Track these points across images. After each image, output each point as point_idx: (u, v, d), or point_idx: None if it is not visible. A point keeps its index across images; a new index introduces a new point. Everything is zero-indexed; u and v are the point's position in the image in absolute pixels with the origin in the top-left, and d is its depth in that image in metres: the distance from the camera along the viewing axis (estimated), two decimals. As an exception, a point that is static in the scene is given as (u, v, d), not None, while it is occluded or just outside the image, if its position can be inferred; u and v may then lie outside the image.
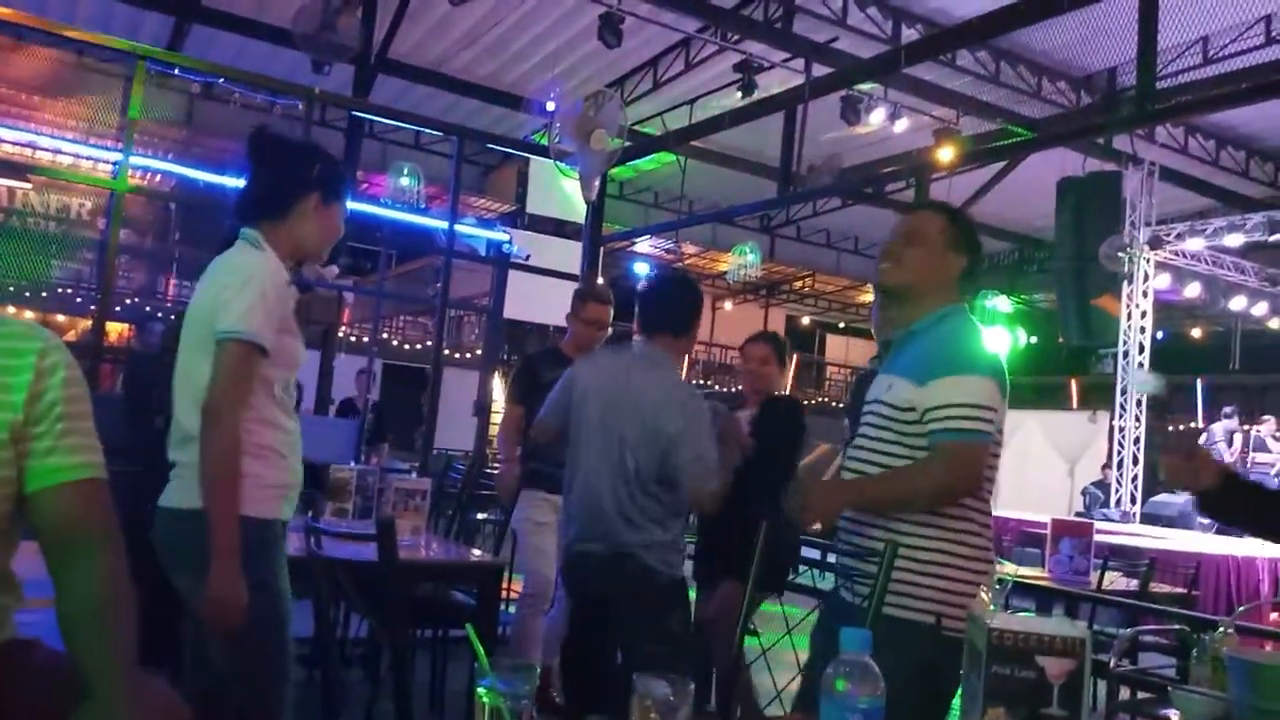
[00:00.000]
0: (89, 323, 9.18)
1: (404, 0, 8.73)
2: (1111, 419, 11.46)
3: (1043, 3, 4.96)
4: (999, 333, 10.70)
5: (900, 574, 1.89)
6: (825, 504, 2.06)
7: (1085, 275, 9.90)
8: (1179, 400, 13.82)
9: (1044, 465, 13.50)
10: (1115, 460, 11.20)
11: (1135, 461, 11.02)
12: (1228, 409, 11.75)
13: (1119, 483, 11.09)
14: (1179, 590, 4.83)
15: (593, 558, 2.79)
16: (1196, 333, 15.77)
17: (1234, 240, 10.33)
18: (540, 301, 8.09)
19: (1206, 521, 8.57)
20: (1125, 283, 10.74)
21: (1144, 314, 11.06)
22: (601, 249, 7.16)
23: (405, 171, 9.64)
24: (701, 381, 17.69)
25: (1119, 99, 9.33)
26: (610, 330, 4.20)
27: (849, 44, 8.70)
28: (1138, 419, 11.11)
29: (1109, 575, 4.37)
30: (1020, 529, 6.33)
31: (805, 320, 21.16)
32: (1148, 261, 10.86)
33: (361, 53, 7.93)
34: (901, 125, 9.54)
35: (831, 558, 2.14)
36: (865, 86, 9.09)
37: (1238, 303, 11.77)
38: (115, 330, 10.73)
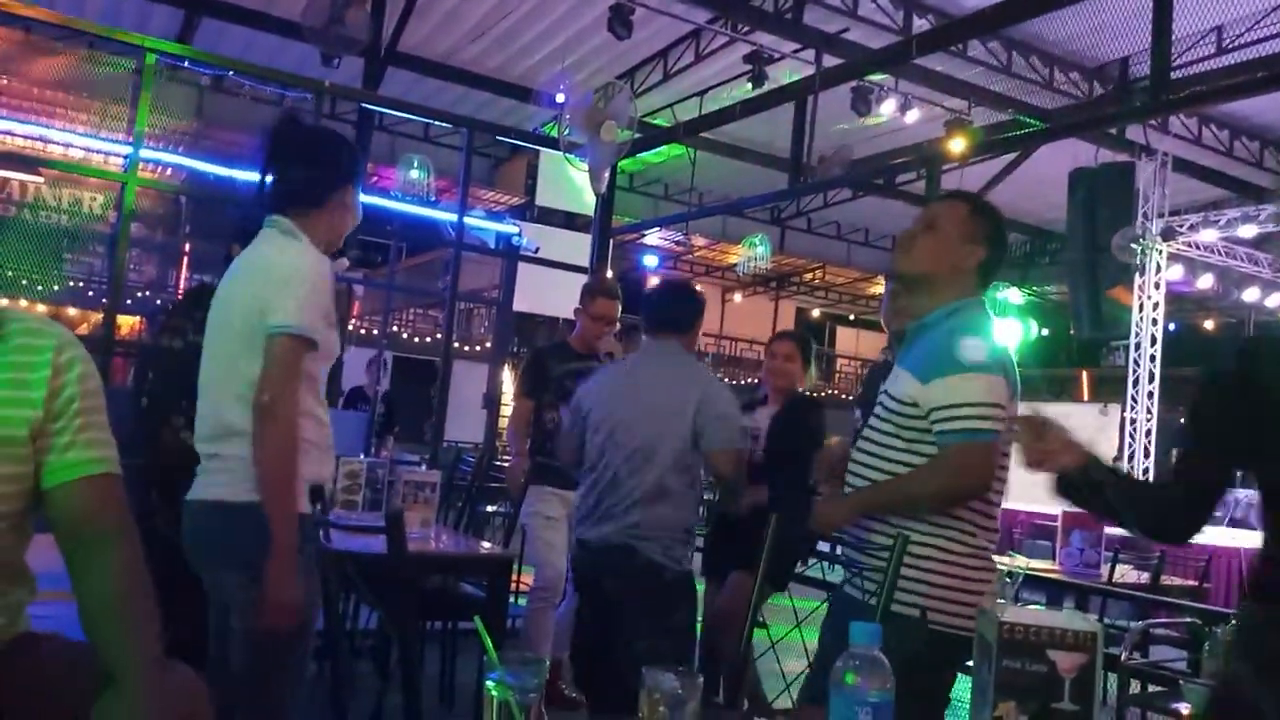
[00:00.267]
0: (100, 316, 9.22)
1: (413, -8, 8.72)
2: (1123, 411, 11.41)
3: (1055, -8, 4.92)
4: (1010, 324, 10.66)
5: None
6: (832, 518, 2.07)
7: (1097, 267, 9.84)
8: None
9: (1055, 458, 13.42)
10: (1126, 453, 11.14)
11: (1147, 454, 10.97)
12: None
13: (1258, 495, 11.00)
14: (1190, 583, 4.82)
15: (600, 550, 2.85)
16: (1209, 324, 15.67)
17: (1247, 231, 10.25)
18: (550, 294, 8.09)
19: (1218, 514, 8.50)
20: (1137, 274, 10.67)
21: (1156, 306, 10.99)
22: (611, 241, 7.15)
23: (415, 164, 9.64)
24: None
25: (1132, 89, 9.27)
26: (618, 325, 4.19)
27: (860, 35, 8.65)
28: (1149, 411, 11.06)
29: (1120, 568, 4.36)
30: (1031, 521, 6.31)
31: (815, 312, 21.11)
32: (1160, 253, 10.78)
33: (371, 45, 7.92)
34: (913, 116, 9.49)
35: (838, 551, 2.14)
36: (876, 77, 9.04)
37: (1251, 294, 11.68)
38: (127, 324, 10.78)
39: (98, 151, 9.72)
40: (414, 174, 9.60)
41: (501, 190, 13.17)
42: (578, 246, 7.80)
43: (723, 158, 9.80)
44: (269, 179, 2.16)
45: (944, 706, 2.04)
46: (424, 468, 4.33)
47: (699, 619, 3.36)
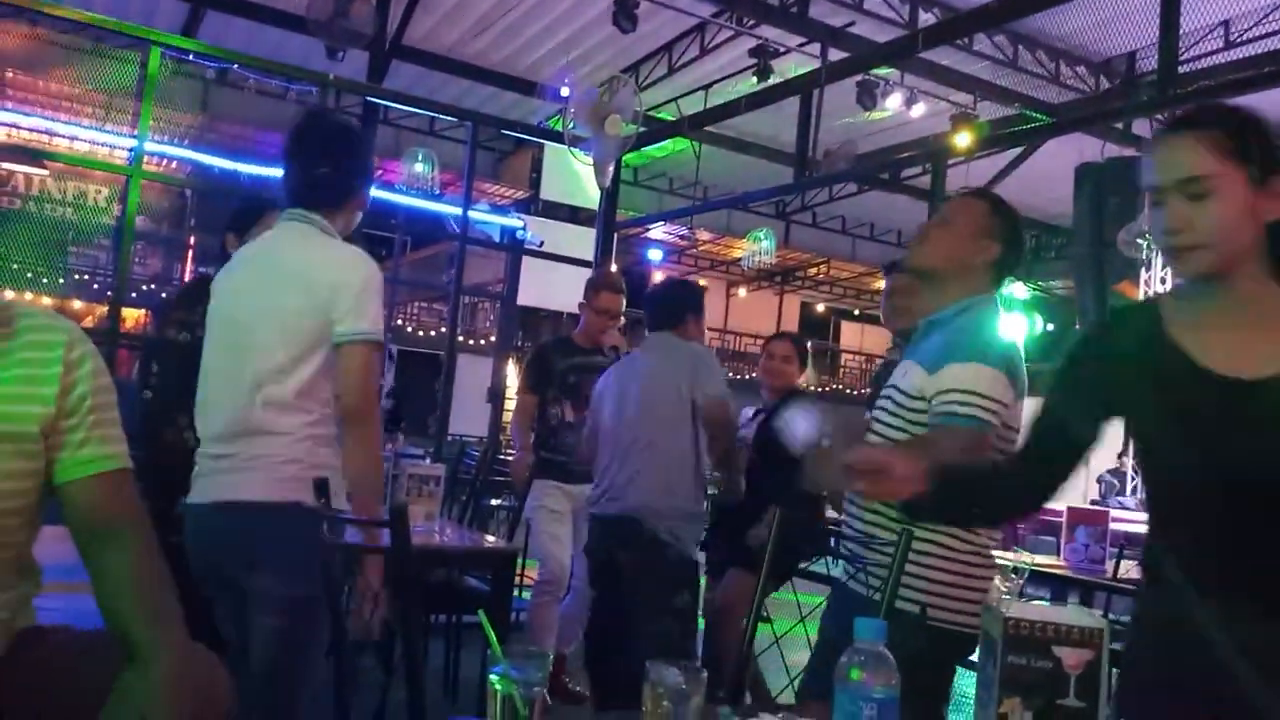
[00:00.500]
0: (105, 309, 9.24)
1: (418, -14, 8.71)
2: (1128, 407, 11.38)
3: (1062, -15, 4.90)
4: (1016, 319, 10.64)
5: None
6: (829, 474, 2.08)
7: (1103, 262, 9.80)
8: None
9: (1059, 453, 13.41)
10: (1131, 448, 11.12)
11: (1152, 450, 10.95)
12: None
13: (1135, 470, 11.03)
14: (1196, 579, 4.79)
15: (612, 522, 3.09)
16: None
17: (1255, 226, 10.23)
18: (554, 288, 8.08)
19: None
20: (1144, 269, 10.63)
21: (1162, 301, 10.97)
22: (615, 235, 7.15)
23: (420, 158, 9.64)
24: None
25: (1138, 83, 9.23)
26: (623, 319, 4.19)
27: (866, 28, 8.63)
28: (1155, 407, 11.04)
29: (1125, 564, 4.34)
30: (1037, 517, 6.30)
31: (820, 307, 21.09)
32: (1167, 248, 10.74)
33: (375, 39, 7.91)
34: (918, 110, 9.46)
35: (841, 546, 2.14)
36: (882, 71, 9.02)
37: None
38: (132, 317, 10.80)
39: (103, 145, 9.74)
40: (419, 168, 9.60)
41: (506, 184, 13.18)
42: (582, 240, 7.79)
43: (727, 151, 9.78)
44: (296, 174, 2.13)
45: (945, 703, 2.04)
46: (428, 461, 4.34)
47: (700, 613, 3.37)
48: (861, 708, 1.08)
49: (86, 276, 11.89)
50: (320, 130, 2.18)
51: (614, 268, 6.65)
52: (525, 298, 9.20)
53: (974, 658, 2.03)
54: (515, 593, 3.73)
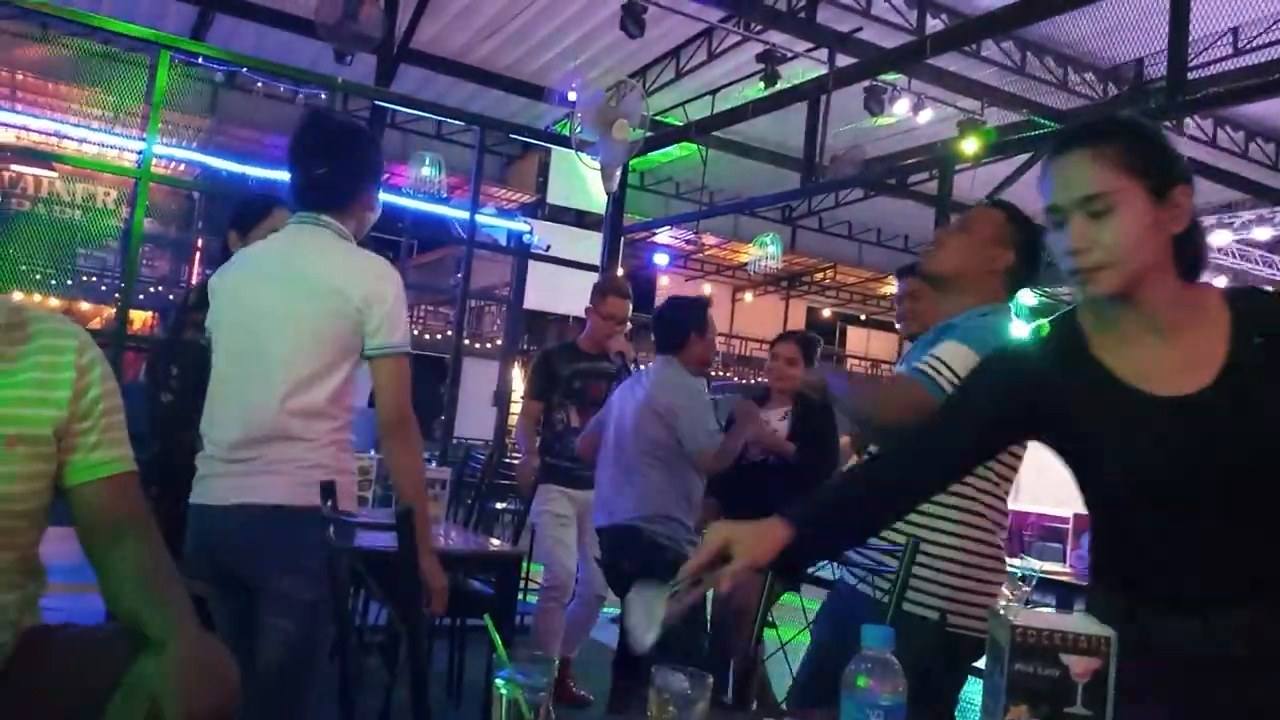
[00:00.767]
0: (113, 311, 9.27)
1: (426, -10, 8.74)
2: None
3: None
4: (1022, 326, 10.62)
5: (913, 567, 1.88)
6: (810, 377, 2.25)
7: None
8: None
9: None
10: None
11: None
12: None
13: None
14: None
15: (614, 533, 3.27)
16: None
17: (1262, 234, 10.22)
18: (560, 292, 8.10)
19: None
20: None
21: (1170, 308, 10.95)
22: (622, 240, 7.15)
23: (427, 161, 9.66)
24: (721, 373, 17.66)
25: (1146, 90, 9.22)
26: (629, 325, 4.19)
27: (873, 34, 8.63)
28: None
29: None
30: (1041, 523, 6.28)
31: (826, 312, 21.06)
32: (1174, 255, 10.73)
33: (384, 43, 7.94)
34: (925, 116, 9.46)
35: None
36: (889, 77, 9.02)
37: (1265, 297, 11.62)
38: (139, 319, 10.84)
39: (112, 147, 9.77)
40: (426, 171, 9.63)
41: (513, 188, 13.19)
42: (588, 244, 7.80)
43: (734, 156, 9.80)
44: (299, 176, 2.13)
45: (954, 708, 2.04)
46: (434, 464, 4.34)
47: (707, 615, 3.38)
48: (868, 715, 1.08)
49: (94, 278, 11.93)
50: (320, 130, 2.16)
51: (620, 273, 6.66)
52: (531, 301, 9.23)
53: (980, 664, 2.04)
54: (520, 597, 3.73)
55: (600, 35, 9.43)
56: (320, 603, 1.97)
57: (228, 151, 10.43)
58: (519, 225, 10.86)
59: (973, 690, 2.28)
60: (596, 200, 8.15)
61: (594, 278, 5.81)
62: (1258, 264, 11.14)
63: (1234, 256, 10.94)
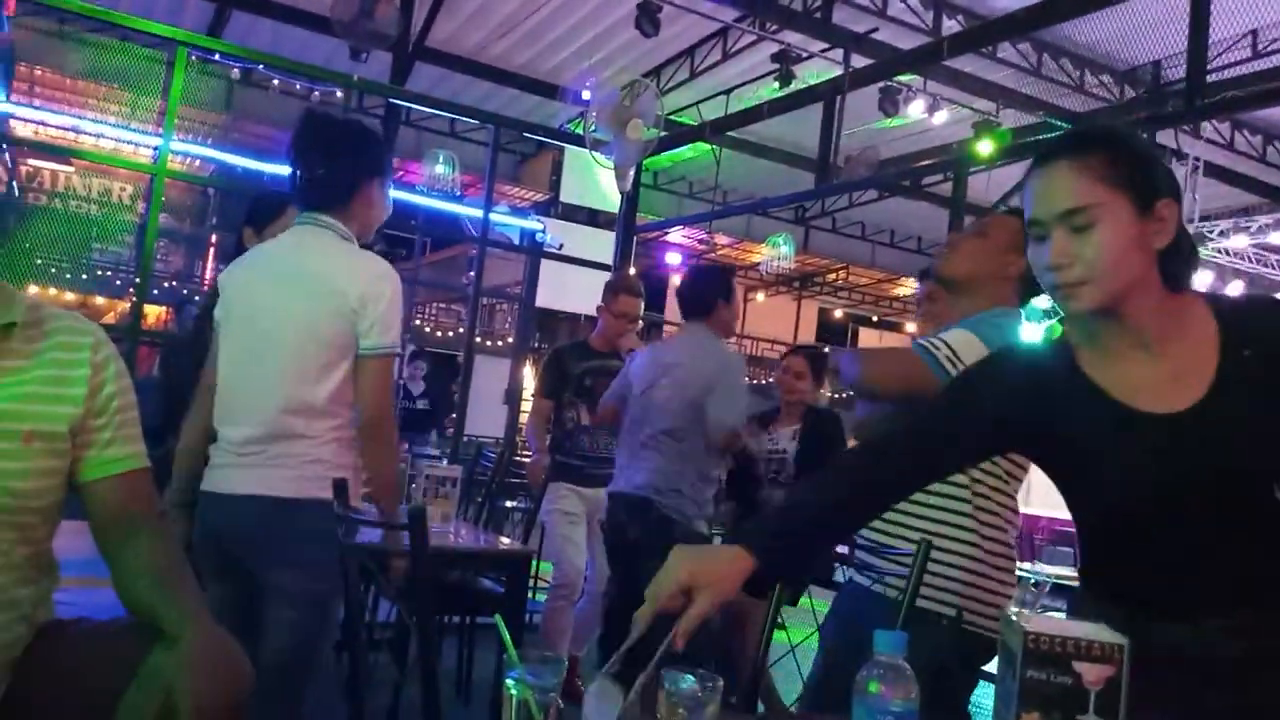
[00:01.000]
0: (126, 305, 9.31)
1: (442, -12, 8.75)
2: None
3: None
4: (1037, 328, 10.57)
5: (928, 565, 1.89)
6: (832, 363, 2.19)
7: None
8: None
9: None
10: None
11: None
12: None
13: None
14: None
15: (625, 500, 3.28)
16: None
17: (1279, 238, 10.13)
18: (572, 291, 8.09)
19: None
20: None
21: (1185, 312, 10.87)
22: (635, 239, 7.15)
23: (441, 159, 9.67)
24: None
25: (1164, 93, 9.16)
26: (640, 323, 4.19)
27: (889, 35, 8.59)
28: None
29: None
30: (1052, 528, 6.25)
31: (838, 313, 20.99)
32: (1190, 259, 10.65)
33: (399, 40, 7.95)
34: (940, 118, 9.42)
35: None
36: (904, 78, 8.98)
37: (1282, 302, 11.53)
38: (153, 314, 10.89)
39: (128, 143, 9.82)
40: (439, 169, 9.64)
41: (526, 186, 13.20)
42: (601, 243, 7.79)
43: (747, 156, 9.78)
44: (298, 176, 2.15)
45: (966, 709, 2.03)
46: (444, 462, 4.34)
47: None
48: (879, 720, 1.07)
49: (109, 273, 11.99)
50: (316, 130, 2.18)
51: (632, 271, 6.65)
52: (544, 300, 9.21)
53: (992, 669, 2.03)
54: (529, 595, 3.73)
55: (615, 34, 9.42)
56: (325, 598, 1.99)
57: (243, 148, 10.46)
58: (532, 224, 10.86)
59: (982, 694, 2.27)
60: (609, 199, 8.15)
61: (606, 277, 5.81)
62: (1274, 268, 11.05)
63: (1250, 261, 10.86)
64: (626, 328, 4.13)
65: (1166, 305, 1.32)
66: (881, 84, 8.73)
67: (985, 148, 6.78)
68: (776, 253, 13.22)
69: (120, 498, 1.47)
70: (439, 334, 15.63)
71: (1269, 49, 8.33)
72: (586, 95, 7.65)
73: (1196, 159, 10.21)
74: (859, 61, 8.13)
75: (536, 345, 11.48)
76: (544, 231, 10.29)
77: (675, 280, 16.06)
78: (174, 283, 12.15)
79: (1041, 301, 2.29)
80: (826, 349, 4.26)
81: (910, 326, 17.50)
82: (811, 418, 3.88)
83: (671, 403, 3.24)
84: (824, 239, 16.53)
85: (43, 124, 10.02)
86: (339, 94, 8.50)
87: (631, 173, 5.79)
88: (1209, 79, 5.91)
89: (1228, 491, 1.29)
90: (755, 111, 7.72)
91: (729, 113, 9.47)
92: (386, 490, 2.10)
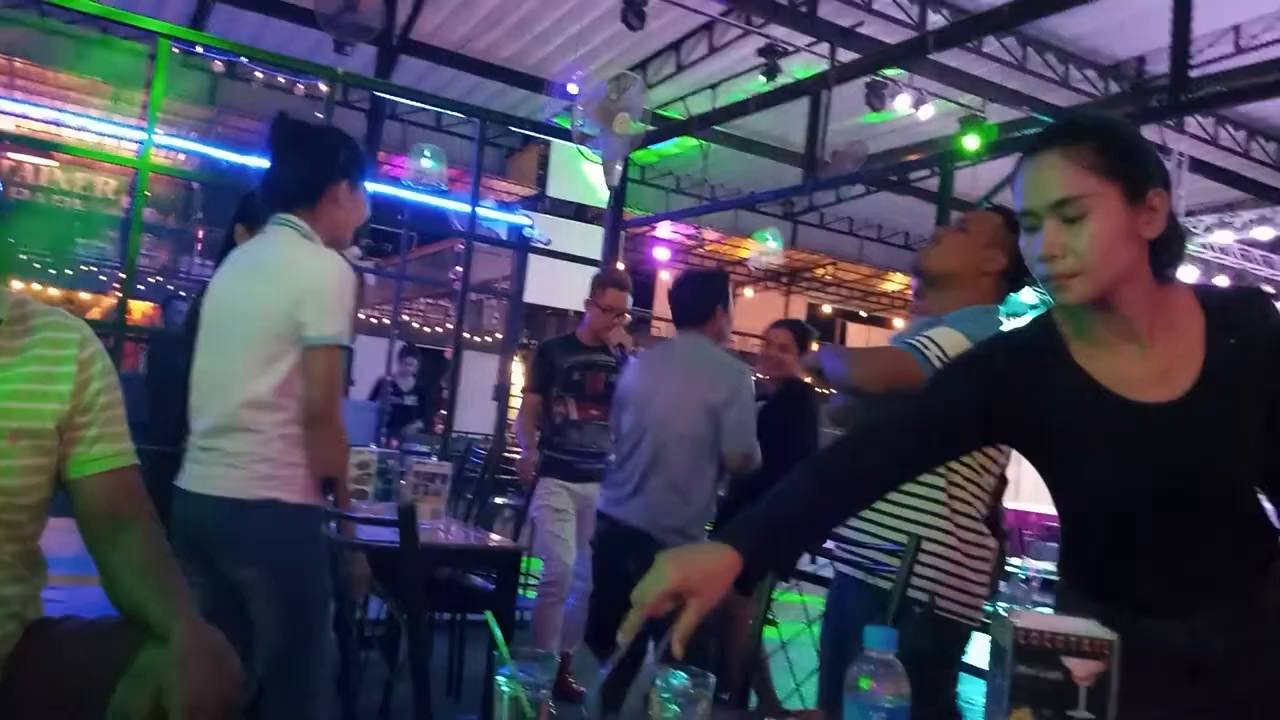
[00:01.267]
0: (113, 301, 9.24)
1: (427, -19, 8.70)
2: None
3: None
4: (1020, 324, 10.63)
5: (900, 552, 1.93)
6: (814, 360, 2.25)
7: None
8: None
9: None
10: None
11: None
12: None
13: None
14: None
15: (625, 532, 3.03)
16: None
17: (1263, 233, 10.20)
18: (560, 286, 8.07)
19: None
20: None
21: (1170, 306, 10.93)
22: (623, 234, 7.14)
23: (427, 154, 9.63)
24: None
25: (1148, 88, 9.20)
26: (629, 317, 4.19)
27: (874, 29, 8.60)
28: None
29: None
30: (1042, 523, 6.28)
31: (827, 308, 21.01)
32: (1175, 254, 10.71)
33: (384, 34, 7.91)
34: (927, 112, 9.44)
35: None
36: (890, 73, 9.00)
37: (1266, 297, 11.62)
38: (140, 309, 10.82)
39: (112, 136, 9.74)
40: (425, 163, 9.58)
41: (513, 181, 13.16)
42: (589, 238, 7.78)
43: (735, 151, 9.78)
44: (264, 178, 2.22)
45: (954, 701, 2.05)
46: (434, 459, 4.34)
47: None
48: (871, 717, 1.07)
49: (94, 268, 11.91)
50: (279, 132, 2.23)
51: (620, 266, 6.65)
52: (531, 295, 9.20)
53: (975, 661, 2.05)
54: (520, 592, 3.73)
55: (601, 28, 9.39)
56: (300, 599, 2.01)
57: (228, 141, 10.39)
58: (519, 219, 10.83)
59: (972, 690, 2.28)
60: (597, 194, 8.13)
61: (595, 272, 5.81)
62: (1259, 264, 11.13)
63: (1235, 256, 10.93)
64: (614, 322, 4.12)
65: (1156, 297, 1.32)
66: (867, 78, 8.74)
67: (971, 142, 6.81)
68: (764, 248, 13.23)
69: (107, 495, 1.47)
70: (427, 330, 15.58)
71: (1252, 44, 8.37)
72: (573, 89, 7.63)
73: (1181, 154, 10.27)
74: (845, 56, 8.13)
75: (526, 341, 11.46)
76: (531, 226, 10.26)
77: (664, 276, 16.08)
78: (159, 278, 12.06)
79: (1026, 296, 2.31)
80: (812, 328, 4.11)
81: (899, 322, 17.55)
82: (785, 389, 3.73)
83: (677, 420, 3.01)
84: (812, 234, 16.55)
85: (25, 117, 9.93)
86: (323, 87, 8.44)
87: (619, 167, 5.78)
88: (1192, 74, 5.95)
89: (1213, 483, 1.31)
90: (741, 106, 7.71)
91: (716, 107, 9.46)
92: (334, 487, 2.10)
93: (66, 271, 11.30)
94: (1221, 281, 11.16)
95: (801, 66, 8.81)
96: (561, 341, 4.27)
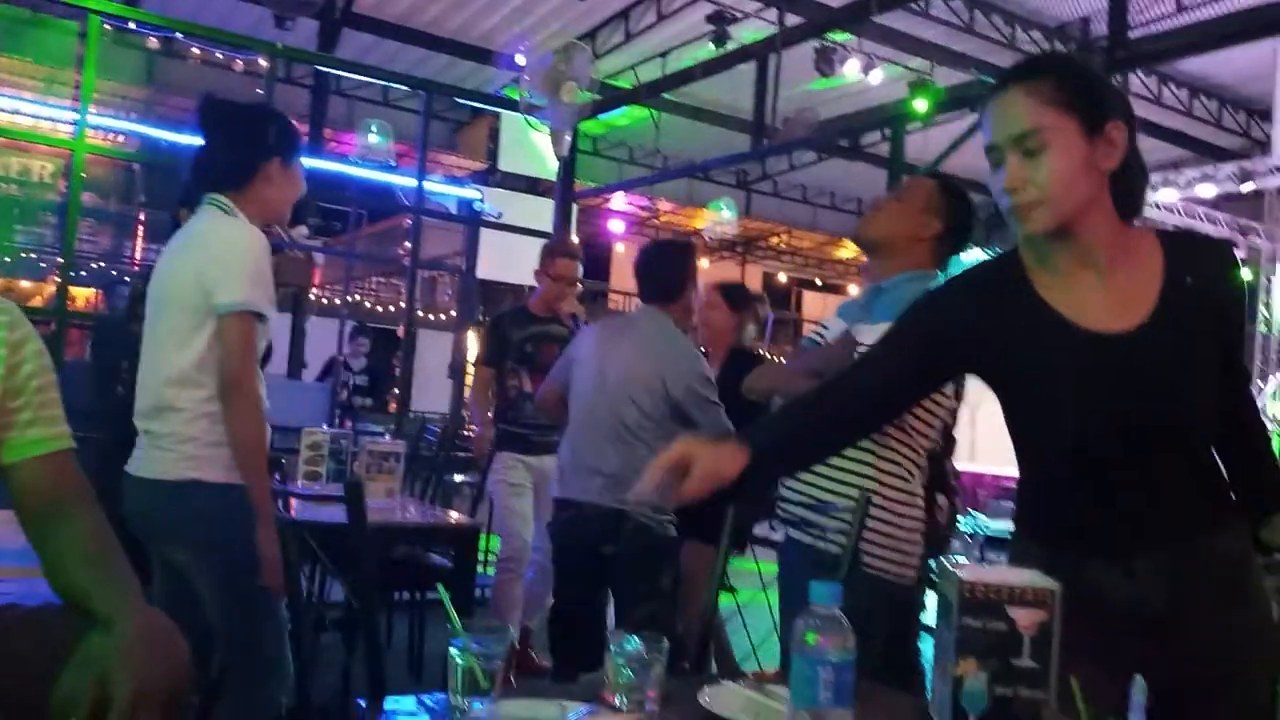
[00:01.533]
0: (54, 288, 9.01)
1: (368, -48, 8.52)
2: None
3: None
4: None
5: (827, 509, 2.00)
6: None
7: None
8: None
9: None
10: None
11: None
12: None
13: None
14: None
15: (594, 516, 2.81)
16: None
17: (1206, 191, 10.36)
18: (514, 261, 8.00)
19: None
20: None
21: (1117, 265, 11.11)
22: (575, 206, 7.09)
23: (374, 129, 9.46)
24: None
25: (1092, 48, 9.29)
26: (580, 287, 4.16)
27: (823, -6, 8.58)
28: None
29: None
30: (997, 484, 6.39)
31: (782, 277, 21.12)
32: (1120, 212, 10.87)
33: (326, 6, 7.75)
34: (876, 77, 9.46)
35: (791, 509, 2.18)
36: (839, 37, 8.99)
37: (1209, 253, 11.83)
38: (83, 296, 10.56)
39: (45, 119, 9.46)
40: (373, 139, 9.42)
41: (463, 155, 13.00)
42: (542, 212, 7.72)
43: (687, 120, 9.74)
44: (193, 160, 2.20)
45: (915, 659, 2.10)
46: (387, 438, 4.30)
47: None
48: (818, 671, 1.08)
49: (34, 255, 11.58)
50: (207, 113, 2.22)
51: (575, 238, 6.60)
52: (485, 271, 9.11)
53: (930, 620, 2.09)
54: (480, 569, 3.72)
55: (548, -2, 9.28)
56: (238, 580, 2.00)
57: (167, 121, 10.13)
58: (469, 192, 10.70)
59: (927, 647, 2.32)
60: (548, 167, 8.05)
61: (547, 245, 5.75)
62: (1201, 220, 11.32)
63: (1180, 214, 11.11)
64: (565, 291, 4.10)
65: (1118, 229, 1.37)
66: (816, 44, 8.73)
67: (920, 105, 6.82)
68: (719, 217, 13.23)
69: (45, 480, 1.43)
70: (380, 309, 15.39)
71: (1193, 4, 8.47)
72: (520, 60, 7.53)
73: (1125, 114, 10.41)
74: (793, 21, 8.11)
75: (481, 318, 11.37)
76: (482, 200, 10.15)
77: (619, 249, 16.03)
78: (102, 263, 11.77)
79: (980, 257, 2.34)
80: (751, 291, 4.03)
81: (853, 288, 17.67)
82: (730, 357, 3.58)
83: (632, 393, 2.82)
84: (766, 203, 16.58)
85: (-47, 100, 9.60)
86: (263, 63, 8.24)
87: (568, 137, 5.74)
88: (1134, 34, 6.01)
89: (1166, 414, 1.34)
90: (690, 72, 7.67)
91: (665, 75, 9.41)
92: (250, 460, 2.01)
93: (5, 259, 10.99)
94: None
95: (751, 32, 8.77)
96: (513, 313, 4.24)
